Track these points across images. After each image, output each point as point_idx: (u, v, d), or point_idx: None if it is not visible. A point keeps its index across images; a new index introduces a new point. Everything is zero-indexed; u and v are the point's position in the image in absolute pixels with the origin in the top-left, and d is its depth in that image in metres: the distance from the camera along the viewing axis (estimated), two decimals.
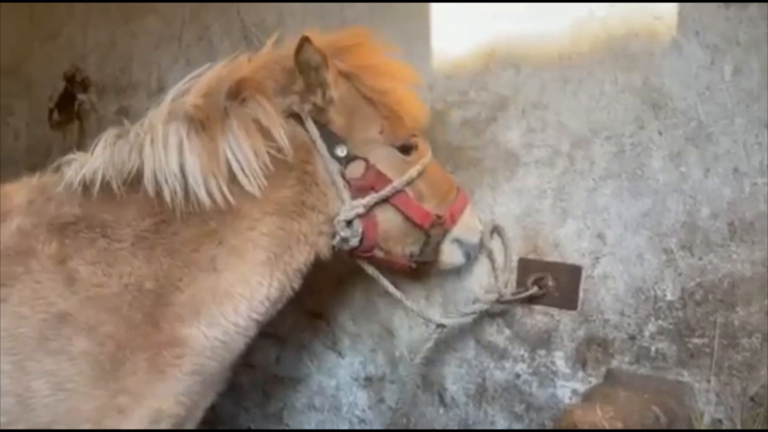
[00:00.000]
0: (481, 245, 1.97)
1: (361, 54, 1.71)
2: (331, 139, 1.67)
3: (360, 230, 1.71)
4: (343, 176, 1.68)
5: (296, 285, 1.75)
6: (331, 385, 2.42)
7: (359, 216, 1.69)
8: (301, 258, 1.71)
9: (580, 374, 1.93)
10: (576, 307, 1.94)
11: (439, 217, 1.78)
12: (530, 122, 2.02)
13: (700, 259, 1.77)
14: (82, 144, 3.27)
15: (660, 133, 1.83)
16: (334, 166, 1.67)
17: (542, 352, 2.00)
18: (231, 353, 1.69)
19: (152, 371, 1.55)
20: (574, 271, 1.94)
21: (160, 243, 1.60)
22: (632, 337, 1.86)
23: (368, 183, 1.69)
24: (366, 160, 1.70)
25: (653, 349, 1.82)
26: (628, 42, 1.86)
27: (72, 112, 3.35)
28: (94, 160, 1.63)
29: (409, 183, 1.73)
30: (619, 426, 1.44)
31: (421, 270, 1.96)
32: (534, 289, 1.94)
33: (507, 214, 2.05)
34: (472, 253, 1.92)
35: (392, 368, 2.28)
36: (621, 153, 1.88)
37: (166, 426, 1.59)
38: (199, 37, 2.80)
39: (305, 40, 1.57)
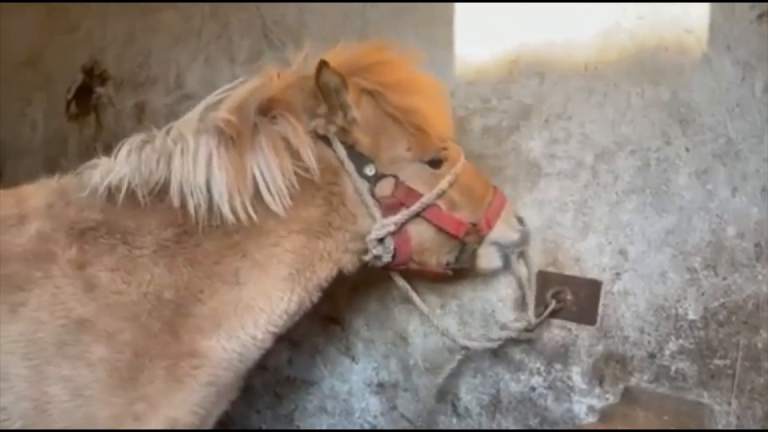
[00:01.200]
0: (522, 242, 1.88)
1: (385, 71, 1.68)
2: (359, 159, 1.66)
3: (392, 247, 1.70)
4: (373, 195, 1.66)
5: (315, 299, 1.74)
6: (343, 389, 2.41)
7: (391, 234, 1.68)
8: (323, 274, 1.70)
9: (597, 390, 1.91)
10: (595, 323, 1.91)
11: (474, 225, 1.75)
12: (553, 132, 1.99)
13: (725, 279, 1.74)
14: (98, 137, 3.29)
15: (687, 149, 1.79)
16: (364, 186, 1.66)
17: (559, 366, 1.97)
18: (246, 364, 1.68)
19: (170, 380, 1.54)
20: (594, 286, 1.91)
21: (182, 253, 1.59)
22: (652, 356, 1.83)
23: (398, 200, 1.68)
24: (395, 177, 1.68)
25: (673, 368, 1.80)
26: (657, 55, 1.82)
27: (89, 105, 3.35)
28: (120, 168, 1.62)
29: (440, 195, 1.70)
30: None
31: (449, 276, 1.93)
32: (552, 303, 1.92)
33: (527, 225, 2.01)
34: (509, 255, 1.86)
35: (405, 375, 2.26)
36: (646, 168, 1.85)
37: None
38: (218, 34, 2.78)
39: (323, 64, 1.56)
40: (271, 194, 1.58)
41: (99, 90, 3.29)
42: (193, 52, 2.86)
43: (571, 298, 1.93)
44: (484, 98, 2.11)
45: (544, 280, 1.97)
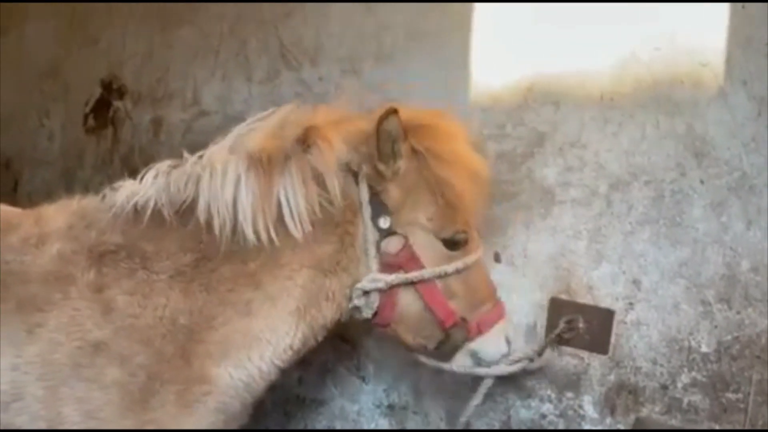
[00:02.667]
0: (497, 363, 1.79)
1: (436, 137, 1.66)
2: (379, 208, 1.65)
3: (375, 305, 1.68)
4: (378, 247, 1.65)
5: (320, 338, 1.73)
6: (353, 410, 2.42)
7: (379, 290, 1.66)
8: (328, 315, 1.69)
9: (609, 420, 1.91)
10: (607, 352, 1.91)
11: (464, 320, 1.70)
12: (567, 160, 2.00)
13: (738, 312, 1.74)
14: (115, 150, 3.33)
15: (702, 182, 1.80)
16: (373, 235, 1.65)
17: (570, 394, 1.97)
18: (252, 394, 1.69)
19: (180, 405, 1.55)
20: (607, 315, 1.91)
21: (198, 278, 1.60)
22: (664, 387, 1.83)
23: (399, 261, 1.65)
24: (405, 239, 1.66)
25: (686, 400, 1.79)
26: (673, 87, 1.83)
27: (107, 118, 3.39)
28: (147, 189, 1.63)
29: (441, 276, 1.66)
30: None
31: None
32: (562, 326, 1.92)
33: (540, 252, 2.03)
34: (484, 368, 1.78)
35: (416, 398, 2.27)
36: (660, 199, 1.85)
37: None
38: (236, 52, 2.81)
39: (393, 112, 1.57)
40: (293, 219, 1.58)
41: (117, 104, 3.33)
42: (210, 69, 2.90)
43: (584, 326, 1.93)
44: (498, 124, 2.12)
45: (557, 307, 1.98)
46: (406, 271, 1.65)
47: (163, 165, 1.69)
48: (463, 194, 1.66)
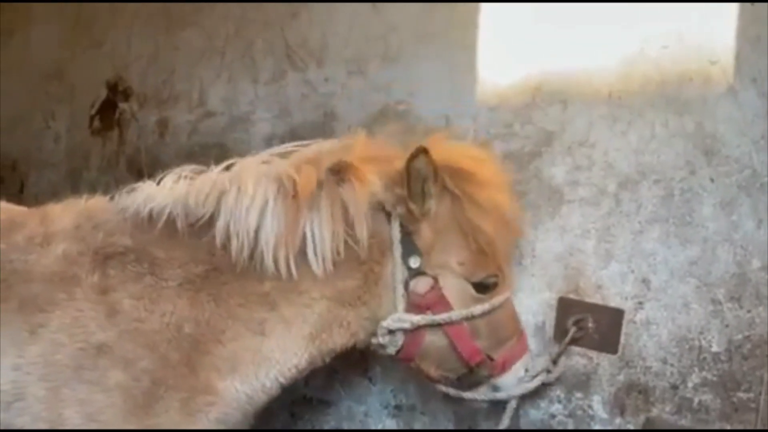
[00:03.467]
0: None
1: (474, 181, 1.64)
2: (409, 248, 1.63)
3: (400, 343, 1.68)
4: (406, 287, 1.64)
5: (327, 360, 1.72)
6: (360, 410, 2.41)
7: (404, 330, 1.66)
8: (339, 341, 1.68)
9: (618, 420, 1.90)
10: (616, 351, 1.90)
11: (491, 359, 1.71)
12: (576, 159, 1.99)
13: (749, 311, 1.73)
14: (121, 152, 3.33)
15: (712, 180, 1.79)
16: (401, 274, 1.63)
17: (579, 394, 1.96)
18: (253, 407, 1.68)
19: (184, 413, 1.55)
20: (616, 315, 1.90)
21: (206, 288, 1.59)
22: (674, 387, 1.82)
23: (427, 302, 1.64)
24: (435, 280, 1.65)
25: (696, 400, 1.78)
26: (682, 85, 1.82)
27: (112, 120, 3.39)
28: (165, 195, 1.61)
29: (469, 318, 1.66)
30: None
31: None
32: (573, 330, 1.91)
33: (549, 251, 2.02)
34: (496, 400, 1.81)
35: (423, 400, 2.26)
36: (669, 197, 1.84)
37: None
38: (241, 53, 2.81)
39: (423, 151, 1.56)
40: (315, 256, 1.56)
41: (122, 105, 3.33)
42: (216, 71, 2.90)
43: (593, 326, 1.92)
44: (506, 123, 2.12)
45: (566, 307, 1.97)
46: (434, 312, 1.64)
47: (185, 170, 1.67)
48: (495, 242, 1.64)
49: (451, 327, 1.66)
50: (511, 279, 1.77)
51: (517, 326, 1.79)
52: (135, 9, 3.21)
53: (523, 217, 1.84)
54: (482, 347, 1.70)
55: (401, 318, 1.64)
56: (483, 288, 1.68)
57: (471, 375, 1.72)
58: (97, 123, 3.46)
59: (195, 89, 3.00)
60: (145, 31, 3.19)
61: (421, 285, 1.64)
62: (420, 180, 1.59)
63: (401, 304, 1.64)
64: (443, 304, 1.65)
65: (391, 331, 1.66)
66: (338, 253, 1.57)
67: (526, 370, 1.79)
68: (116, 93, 3.36)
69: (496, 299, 1.69)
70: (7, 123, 3.85)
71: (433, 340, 1.68)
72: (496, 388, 1.78)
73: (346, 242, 1.58)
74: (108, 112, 3.41)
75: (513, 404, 1.82)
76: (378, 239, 1.63)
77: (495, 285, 1.70)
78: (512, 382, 1.77)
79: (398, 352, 1.70)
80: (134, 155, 3.28)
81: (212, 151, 2.86)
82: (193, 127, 3.00)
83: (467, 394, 1.80)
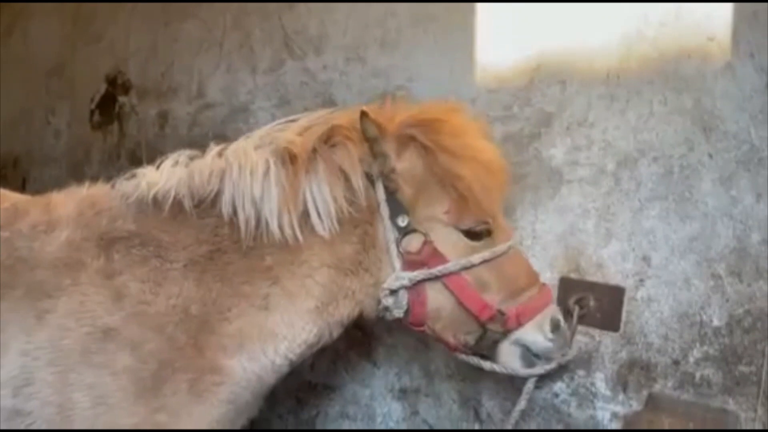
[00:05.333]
0: (552, 352, 1.73)
1: (444, 130, 1.64)
2: (396, 207, 1.65)
3: (405, 303, 1.67)
4: (398, 246, 1.64)
5: (335, 334, 1.73)
6: (365, 394, 2.43)
7: (405, 288, 1.65)
8: (345, 312, 1.69)
9: (621, 397, 1.91)
10: (618, 329, 1.92)
11: (501, 313, 1.66)
12: (575, 140, 2.00)
13: (749, 285, 1.74)
14: (121, 145, 3.35)
15: (710, 156, 1.80)
16: (392, 234, 1.64)
17: (582, 372, 1.98)
18: (263, 386, 1.69)
19: (192, 394, 1.55)
20: (617, 292, 1.91)
21: (211, 269, 1.61)
22: (676, 362, 1.83)
23: (421, 258, 1.64)
24: (425, 236, 1.65)
25: (698, 375, 1.80)
26: (680, 63, 1.83)
27: (112, 114, 3.41)
28: (168, 179, 1.64)
29: (467, 268, 1.64)
30: None
31: None
32: (576, 309, 1.92)
33: (549, 231, 2.03)
34: (533, 360, 1.74)
35: (428, 381, 2.28)
36: (669, 174, 1.85)
37: None
38: (240, 43, 2.82)
39: (362, 114, 1.58)
40: (319, 217, 1.59)
41: (122, 99, 3.35)
42: (215, 62, 2.91)
43: (595, 304, 1.93)
44: (505, 105, 2.13)
45: (567, 286, 1.98)
46: (430, 267, 1.64)
47: (182, 155, 1.69)
48: (473, 185, 1.63)
49: (450, 279, 1.64)
50: (507, 228, 1.76)
51: (532, 278, 1.74)
52: (133, 3, 3.22)
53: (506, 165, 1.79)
54: (493, 301, 1.66)
55: (398, 276, 1.64)
56: (475, 236, 1.66)
57: (486, 335, 1.68)
58: (97, 117, 3.47)
59: (194, 81, 3.01)
60: (143, 24, 3.20)
61: (413, 242, 1.65)
62: (372, 141, 1.61)
63: (397, 264, 1.64)
64: (438, 257, 1.64)
65: (392, 291, 1.66)
66: (341, 211, 1.60)
67: (555, 326, 1.71)
68: (116, 87, 3.38)
69: (498, 248, 1.67)
70: (8, 120, 3.86)
71: (438, 297, 1.66)
72: (521, 345, 1.71)
73: (346, 203, 1.60)
74: (108, 106, 3.42)
75: (530, 386, 1.81)
76: (369, 201, 1.65)
77: (488, 232, 1.68)
78: (536, 338, 1.70)
79: (407, 315, 1.70)
80: (135, 148, 3.29)
81: (213, 143, 2.87)
82: (193, 119, 3.01)
83: (488, 365, 1.76)
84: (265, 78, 2.73)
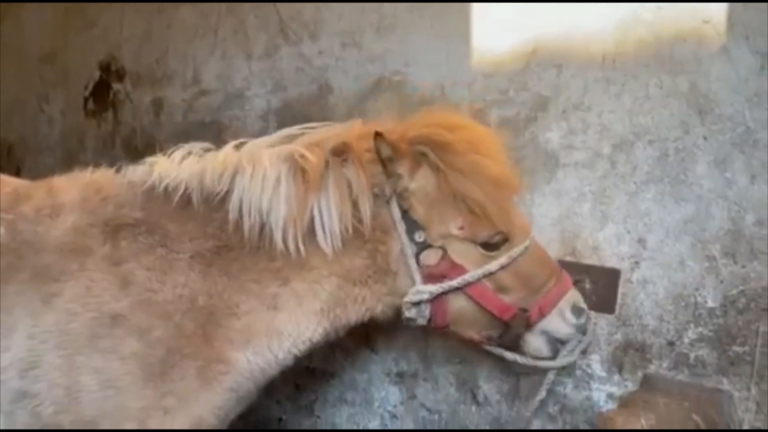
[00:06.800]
0: (576, 335, 1.76)
1: (455, 151, 1.64)
2: (411, 224, 1.66)
3: (427, 312, 1.70)
4: (417, 260, 1.66)
5: (341, 333, 1.76)
6: (363, 379, 2.44)
7: (426, 301, 1.68)
8: (353, 316, 1.72)
9: (616, 378, 1.93)
10: (614, 311, 1.93)
11: (524, 310, 1.69)
12: (571, 123, 2.01)
13: (744, 266, 1.76)
14: (116, 132, 3.34)
15: (705, 138, 1.81)
16: (411, 249, 1.66)
17: None
18: (265, 378, 1.72)
19: (200, 380, 1.58)
20: (613, 275, 1.93)
21: (217, 263, 1.62)
22: (671, 343, 1.85)
23: (441, 271, 1.66)
24: (443, 250, 1.67)
25: (692, 355, 1.82)
26: (675, 46, 1.83)
27: (107, 101, 3.39)
28: (180, 171, 1.65)
29: (487, 276, 1.66)
30: None
31: None
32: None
33: (545, 215, 2.04)
34: (558, 347, 1.76)
35: (425, 366, 2.29)
36: (664, 157, 1.86)
37: None
38: (234, 30, 2.81)
39: (376, 136, 1.59)
40: (324, 234, 1.61)
41: (116, 86, 3.33)
42: (209, 48, 2.89)
43: (590, 286, 1.95)
44: (501, 90, 2.13)
45: (563, 269, 1.98)
46: (450, 279, 1.66)
47: (195, 147, 1.71)
48: (484, 203, 1.64)
49: (470, 288, 1.67)
50: (524, 225, 1.76)
51: (550, 270, 1.75)
52: None
53: (517, 174, 1.81)
54: (513, 301, 1.69)
55: (419, 290, 1.67)
56: (491, 246, 1.68)
57: (510, 330, 1.71)
58: (91, 105, 3.46)
59: (189, 67, 3.00)
60: (137, 10, 3.18)
61: (431, 257, 1.67)
62: (386, 161, 1.63)
63: (417, 277, 1.67)
64: (457, 269, 1.67)
65: (414, 304, 1.69)
66: (346, 230, 1.61)
67: (577, 308, 1.73)
68: (109, 74, 3.36)
69: (514, 251, 1.68)
70: (2, 109, 3.84)
71: (460, 305, 1.69)
72: (546, 334, 1.73)
73: (352, 224, 1.62)
74: (102, 94, 3.41)
75: (551, 376, 1.86)
76: (379, 220, 1.66)
77: (504, 240, 1.68)
78: (559, 325, 1.72)
79: (430, 322, 1.73)
80: (130, 136, 3.28)
81: (208, 129, 2.87)
82: (188, 106, 3.00)
83: (509, 355, 1.80)
84: (261, 64, 2.72)
